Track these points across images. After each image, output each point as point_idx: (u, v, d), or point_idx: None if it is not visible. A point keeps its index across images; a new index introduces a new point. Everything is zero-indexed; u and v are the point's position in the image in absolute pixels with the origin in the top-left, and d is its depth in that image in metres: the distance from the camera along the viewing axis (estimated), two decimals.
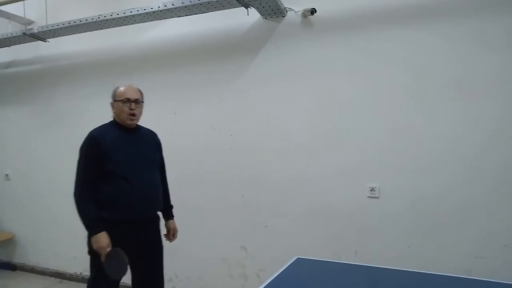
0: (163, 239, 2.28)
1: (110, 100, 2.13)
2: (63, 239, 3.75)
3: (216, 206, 3.02)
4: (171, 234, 2.29)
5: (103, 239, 1.93)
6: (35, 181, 3.93)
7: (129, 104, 2.05)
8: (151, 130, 2.28)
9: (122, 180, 1.99)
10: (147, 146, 2.18)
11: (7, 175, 4.12)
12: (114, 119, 2.13)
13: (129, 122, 2.08)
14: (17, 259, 4.10)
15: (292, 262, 2.01)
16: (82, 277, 3.63)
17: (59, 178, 3.74)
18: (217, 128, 3.03)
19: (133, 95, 2.08)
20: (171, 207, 2.36)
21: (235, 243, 2.98)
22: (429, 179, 2.40)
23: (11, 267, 4.05)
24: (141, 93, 2.17)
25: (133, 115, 2.07)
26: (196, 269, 3.09)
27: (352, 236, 2.61)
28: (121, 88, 2.10)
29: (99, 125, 2.11)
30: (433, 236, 2.40)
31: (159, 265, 2.21)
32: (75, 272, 3.70)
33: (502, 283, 1.69)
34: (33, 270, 3.96)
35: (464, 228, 2.33)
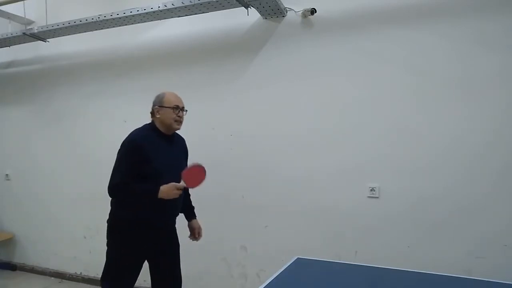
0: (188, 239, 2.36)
1: (151, 105, 2.15)
2: (63, 239, 3.75)
3: (216, 206, 3.02)
4: (196, 233, 2.35)
5: (168, 187, 2.00)
6: (35, 181, 3.93)
7: (178, 111, 2.13)
8: (181, 136, 2.34)
9: (157, 185, 2.02)
10: (180, 154, 2.28)
11: (7, 175, 4.12)
12: (152, 123, 2.17)
13: (176, 127, 2.16)
14: (17, 259, 4.10)
15: (292, 262, 2.01)
16: (82, 277, 3.63)
17: (59, 178, 3.75)
18: (217, 128, 3.03)
19: (181, 103, 2.18)
20: (193, 207, 2.41)
21: (235, 243, 2.98)
22: (429, 179, 2.40)
23: (11, 267, 4.05)
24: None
25: (180, 122, 2.16)
26: (196, 269, 3.08)
27: (352, 236, 2.61)
28: (170, 95, 2.16)
29: (138, 128, 2.15)
30: (433, 236, 2.40)
31: (177, 263, 2.27)
32: (75, 272, 3.70)
33: (502, 283, 1.69)
34: (33, 270, 3.96)
35: (464, 228, 2.33)
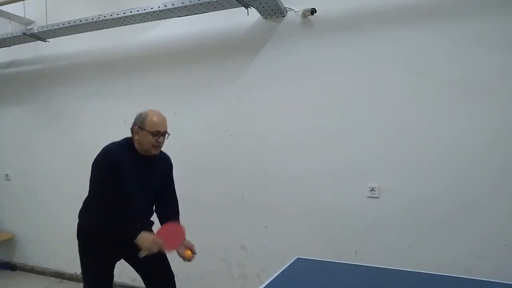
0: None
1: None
2: (63, 239, 3.73)
3: (216, 206, 3.02)
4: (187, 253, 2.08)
5: (148, 239, 1.89)
6: (35, 181, 3.93)
7: (158, 137, 1.97)
8: (165, 155, 2.19)
9: (125, 209, 1.95)
10: (157, 177, 2.09)
11: (7, 175, 4.12)
12: (130, 141, 2.02)
13: (153, 152, 2.00)
14: (17, 259, 4.10)
15: (292, 262, 2.01)
16: (82, 277, 3.62)
17: (59, 178, 3.75)
18: (217, 128, 3.03)
19: (163, 128, 2.00)
20: (178, 216, 2.23)
21: (235, 243, 2.98)
22: (429, 179, 2.40)
23: (11, 267, 4.05)
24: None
25: (159, 146, 2.01)
26: (196, 269, 3.08)
27: (352, 236, 2.61)
28: (153, 118, 1.98)
29: (113, 143, 2.02)
30: (433, 236, 2.40)
31: (163, 258, 2.12)
32: (75, 272, 3.70)
33: (502, 283, 1.69)
34: (33, 270, 3.96)
35: (464, 228, 2.33)
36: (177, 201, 2.25)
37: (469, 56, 2.31)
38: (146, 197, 2.07)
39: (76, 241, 2.10)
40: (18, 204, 4.06)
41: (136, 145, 2.01)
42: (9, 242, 4.08)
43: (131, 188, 1.97)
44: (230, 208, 2.99)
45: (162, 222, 2.16)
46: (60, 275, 3.79)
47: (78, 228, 2.10)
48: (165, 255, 2.09)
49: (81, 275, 3.64)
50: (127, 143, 2.02)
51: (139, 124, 1.98)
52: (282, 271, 1.88)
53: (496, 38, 2.25)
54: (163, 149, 2.11)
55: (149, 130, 1.95)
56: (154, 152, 2.00)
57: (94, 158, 1.99)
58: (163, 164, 2.15)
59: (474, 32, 2.30)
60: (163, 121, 2.02)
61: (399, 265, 1.97)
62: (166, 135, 2.03)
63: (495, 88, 2.26)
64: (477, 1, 2.31)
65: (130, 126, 2.02)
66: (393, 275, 1.85)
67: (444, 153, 2.37)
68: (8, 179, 4.12)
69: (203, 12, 2.79)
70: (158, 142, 1.98)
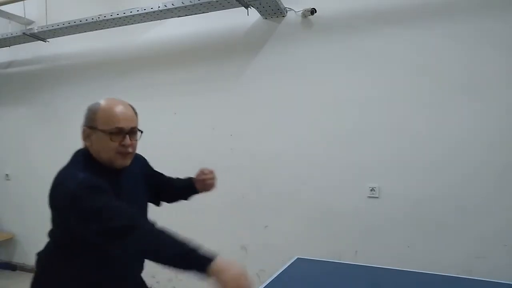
0: None
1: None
2: None
3: (216, 206, 3.01)
4: (203, 172, 1.66)
5: (236, 264, 1.12)
6: (35, 181, 3.93)
7: (121, 137, 1.26)
8: (138, 157, 1.50)
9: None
10: (137, 190, 1.45)
11: (7, 175, 4.12)
12: (86, 154, 1.32)
13: (121, 162, 1.29)
14: (17, 259, 4.10)
15: (292, 262, 2.01)
16: None
17: None
18: (217, 128, 3.03)
19: (128, 123, 1.28)
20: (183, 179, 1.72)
21: (235, 243, 2.98)
22: (429, 179, 2.40)
23: (11, 267, 4.05)
24: (136, 114, 1.36)
25: (127, 153, 1.28)
26: None
27: (352, 236, 2.61)
28: (108, 109, 1.27)
29: (67, 168, 1.32)
30: (433, 236, 2.40)
31: None
32: None
33: (502, 283, 1.69)
34: (33, 270, 3.95)
35: (464, 228, 2.33)
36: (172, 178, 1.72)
37: (469, 56, 2.31)
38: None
39: None
40: (18, 204, 4.06)
41: (95, 155, 1.29)
42: (9, 242, 4.08)
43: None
44: (230, 208, 2.99)
45: (180, 191, 1.70)
46: None
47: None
48: None
49: None
50: (83, 161, 1.30)
51: (89, 121, 1.29)
52: (282, 271, 1.88)
53: (503, 37, 2.23)
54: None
55: (104, 128, 1.25)
56: (121, 162, 1.29)
57: (58, 199, 1.24)
58: (137, 167, 1.46)
59: (478, 31, 2.29)
60: (127, 113, 1.29)
61: (399, 265, 1.97)
62: (138, 134, 1.33)
63: (495, 88, 2.25)
64: (478, 1, 2.31)
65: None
66: (393, 275, 1.85)
67: (444, 153, 2.37)
68: (8, 179, 4.12)
69: (203, 12, 2.79)
70: (123, 146, 1.26)
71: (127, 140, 1.27)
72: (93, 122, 1.27)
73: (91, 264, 1.30)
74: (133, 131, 1.30)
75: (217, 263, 1.10)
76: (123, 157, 1.28)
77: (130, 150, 1.29)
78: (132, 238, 1.11)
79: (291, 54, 2.75)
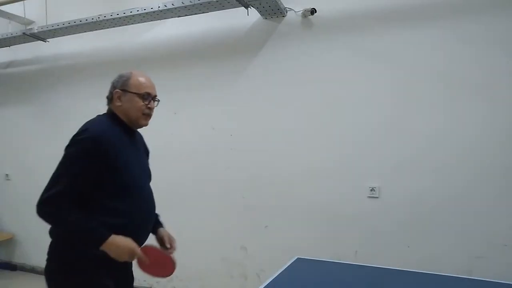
0: None
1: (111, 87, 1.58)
2: None
3: (216, 206, 3.02)
4: (167, 242, 1.65)
5: (125, 240, 1.41)
6: (35, 181, 3.89)
7: (148, 101, 1.54)
8: (140, 134, 1.75)
9: (136, 197, 1.52)
10: (144, 153, 1.72)
11: (7, 175, 4.12)
12: (112, 113, 1.57)
13: (144, 122, 1.57)
14: (17, 259, 4.10)
15: (292, 262, 2.01)
16: None
17: None
18: (217, 128, 3.03)
19: (153, 90, 1.58)
20: (158, 215, 1.75)
21: (235, 243, 2.98)
22: (430, 180, 2.40)
23: (11, 267, 4.05)
24: None
25: (149, 115, 1.58)
26: (196, 269, 3.08)
27: (352, 236, 2.61)
28: (138, 76, 1.55)
29: (94, 119, 1.57)
30: (433, 236, 2.40)
31: None
32: None
33: (502, 283, 1.69)
34: (33, 270, 3.96)
35: (464, 228, 2.33)
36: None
37: (469, 56, 2.31)
38: (144, 176, 1.64)
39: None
40: (18, 204, 4.05)
41: (122, 115, 1.55)
42: (9, 242, 4.08)
43: (133, 175, 1.52)
44: (230, 208, 2.99)
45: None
46: None
47: (56, 259, 1.59)
48: None
49: None
50: (110, 117, 1.56)
51: (121, 85, 1.54)
52: (282, 271, 1.88)
53: (509, 37, 2.23)
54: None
55: (137, 91, 1.52)
56: (144, 122, 1.57)
57: (73, 137, 1.53)
58: (141, 139, 1.73)
59: (481, 31, 2.29)
60: (152, 83, 1.59)
61: (399, 265, 1.97)
62: (156, 102, 1.60)
63: (495, 88, 2.26)
64: (479, 1, 2.31)
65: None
66: (393, 275, 1.85)
67: (444, 153, 2.37)
68: (8, 179, 4.12)
69: (203, 12, 2.79)
70: (149, 108, 1.55)
71: (152, 103, 1.57)
72: (126, 86, 1.53)
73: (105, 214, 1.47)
74: (155, 99, 1.59)
75: (108, 241, 1.39)
76: (146, 117, 1.57)
77: (151, 112, 1.58)
78: (47, 213, 1.56)
79: (291, 54, 2.75)
